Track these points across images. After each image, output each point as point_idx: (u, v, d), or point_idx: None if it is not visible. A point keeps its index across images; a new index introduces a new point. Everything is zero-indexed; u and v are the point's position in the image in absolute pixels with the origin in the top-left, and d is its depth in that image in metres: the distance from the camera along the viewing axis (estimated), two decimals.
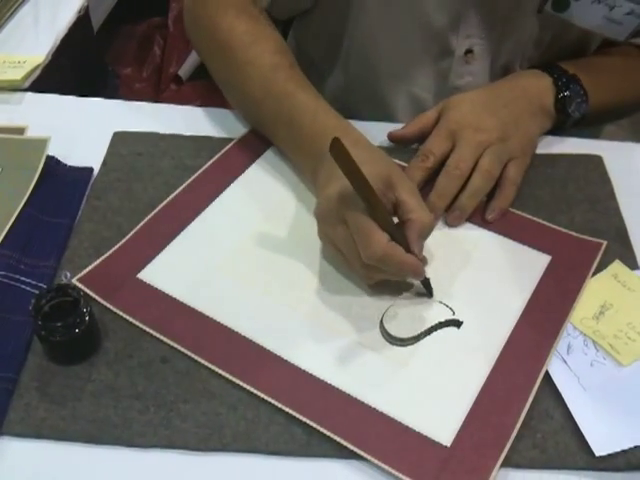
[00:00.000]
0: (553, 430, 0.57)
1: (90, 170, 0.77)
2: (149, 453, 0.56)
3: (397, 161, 0.77)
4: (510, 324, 0.64)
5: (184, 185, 0.75)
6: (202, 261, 0.68)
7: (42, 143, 0.77)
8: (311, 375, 0.60)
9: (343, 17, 0.88)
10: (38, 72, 0.89)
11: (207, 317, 0.64)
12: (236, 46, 0.78)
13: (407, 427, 0.57)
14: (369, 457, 0.55)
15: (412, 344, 0.63)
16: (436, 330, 0.64)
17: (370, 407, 0.58)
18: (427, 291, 0.66)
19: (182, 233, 0.70)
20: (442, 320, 0.64)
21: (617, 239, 0.71)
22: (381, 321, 0.64)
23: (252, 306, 0.65)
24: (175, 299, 0.65)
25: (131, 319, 0.63)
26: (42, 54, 0.91)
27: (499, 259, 0.69)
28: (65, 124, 0.82)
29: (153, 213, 0.72)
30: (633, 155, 0.80)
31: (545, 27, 0.83)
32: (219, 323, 0.63)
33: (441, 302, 0.65)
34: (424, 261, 0.64)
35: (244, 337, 0.62)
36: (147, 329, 0.62)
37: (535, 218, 0.73)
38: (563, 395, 0.59)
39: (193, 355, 0.61)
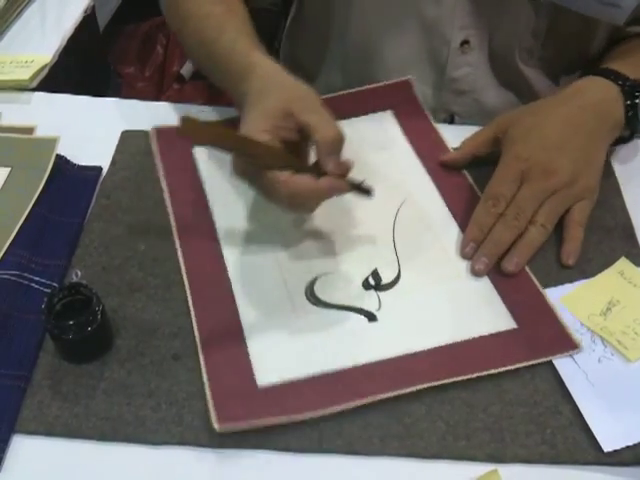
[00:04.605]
0: (562, 426, 0.58)
1: (99, 169, 0.77)
2: (161, 450, 0.57)
3: None
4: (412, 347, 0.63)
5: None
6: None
7: (51, 142, 0.77)
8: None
9: (337, 16, 0.88)
10: (45, 72, 0.89)
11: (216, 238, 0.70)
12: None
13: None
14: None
15: (320, 307, 0.65)
16: (349, 311, 0.65)
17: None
18: (364, 193, 0.65)
19: None
20: (361, 308, 0.65)
21: (623, 236, 0.71)
22: (316, 277, 0.67)
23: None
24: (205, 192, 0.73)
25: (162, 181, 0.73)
26: (49, 54, 0.92)
27: (467, 296, 0.67)
28: (73, 123, 0.82)
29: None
30: (639, 152, 0.81)
31: (540, 14, 0.83)
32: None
33: (379, 297, 0.66)
34: (346, 168, 0.63)
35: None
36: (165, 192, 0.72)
37: (541, 290, 0.66)
38: (571, 391, 0.60)
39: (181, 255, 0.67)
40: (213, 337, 0.63)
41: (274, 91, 0.65)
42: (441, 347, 0.62)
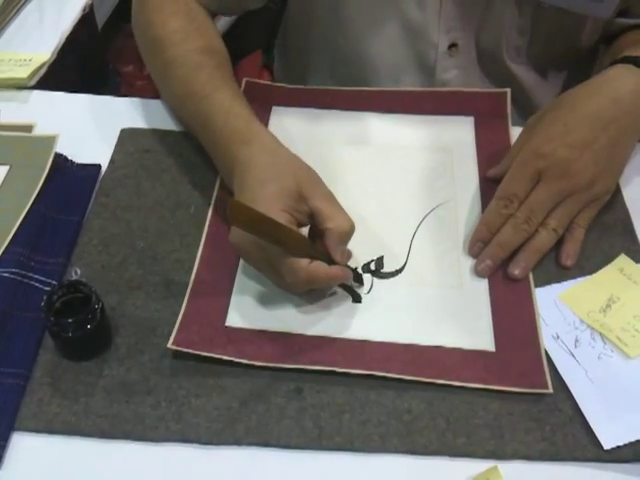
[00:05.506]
0: (562, 422, 0.58)
1: (98, 167, 0.77)
2: (161, 448, 0.57)
3: None
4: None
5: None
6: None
7: (50, 140, 0.77)
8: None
9: (323, 19, 0.88)
10: (44, 70, 0.89)
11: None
12: (166, 43, 0.77)
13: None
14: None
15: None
16: (339, 287, 0.66)
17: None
18: (358, 282, 0.67)
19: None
20: (351, 287, 0.66)
21: (623, 232, 0.71)
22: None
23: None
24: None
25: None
26: (47, 52, 0.91)
27: (460, 307, 0.66)
28: (72, 121, 0.82)
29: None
30: (638, 148, 0.81)
31: (523, 12, 0.82)
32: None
33: (373, 282, 0.67)
34: (349, 256, 0.64)
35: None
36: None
37: (538, 323, 0.64)
38: (570, 388, 0.60)
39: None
40: (208, 271, 0.67)
41: (285, 170, 0.64)
42: (413, 345, 0.62)
